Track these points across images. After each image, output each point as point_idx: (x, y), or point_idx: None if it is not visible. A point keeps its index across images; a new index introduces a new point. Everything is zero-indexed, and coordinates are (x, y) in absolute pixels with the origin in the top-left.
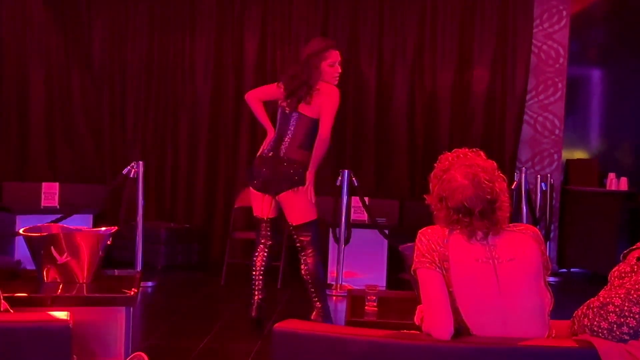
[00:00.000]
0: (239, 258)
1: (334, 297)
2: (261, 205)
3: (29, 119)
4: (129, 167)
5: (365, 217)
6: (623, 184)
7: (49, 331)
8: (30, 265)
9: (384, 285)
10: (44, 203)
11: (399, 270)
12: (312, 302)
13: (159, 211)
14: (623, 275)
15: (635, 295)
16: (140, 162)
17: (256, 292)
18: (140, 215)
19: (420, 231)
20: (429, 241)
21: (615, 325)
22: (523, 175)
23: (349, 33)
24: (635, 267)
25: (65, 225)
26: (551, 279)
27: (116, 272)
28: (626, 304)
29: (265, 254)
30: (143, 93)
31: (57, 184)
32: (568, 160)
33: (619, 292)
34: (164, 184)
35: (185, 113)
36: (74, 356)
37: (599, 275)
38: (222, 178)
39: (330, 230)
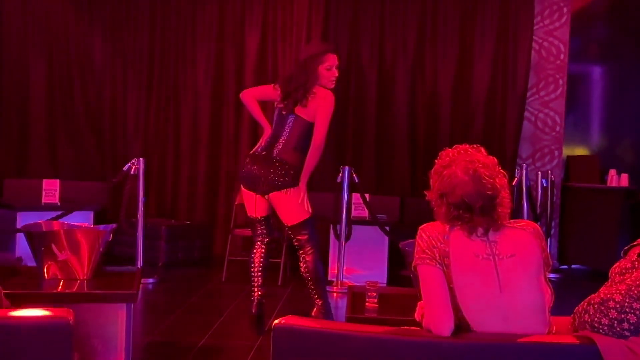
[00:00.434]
0: (240, 254)
1: (335, 294)
2: (253, 204)
3: (29, 116)
4: (129, 163)
5: (366, 213)
6: (624, 181)
7: (50, 328)
8: (30, 262)
9: (385, 281)
10: (44, 200)
11: (400, 267)
12: (312, 300)
13: (159, 208)
14: (624, 271)
15: (635, 292)
16: (141, 159)
17: (256, 289)
18: (141, 212)
19: (420, 227)
20: (429, 237)
21: (615, 322)
22: (524, 172)
23: (349, 30)
24: (636, 263)
25: (66, 222)
26: (551, 275)
27: (117, 268)
28: (627, 300)
29: (263, 251)
30: (144, 90)
31: (58, 180)
32: (569, 157)
33: (620, 288)
34: (165, 180)
35: (187, 109)
36: (75, 353)
37: (599, 272)
38: (223, 174)
39: (331, 226)
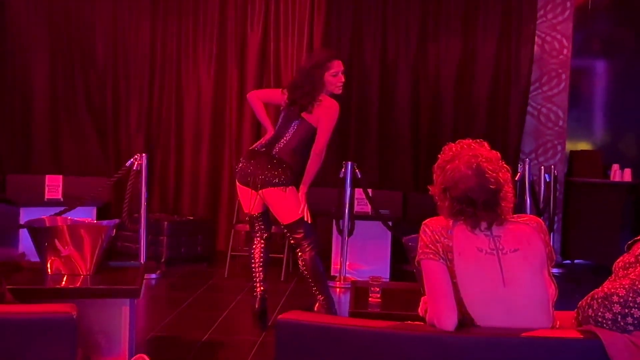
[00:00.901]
0: (243, 250)
1: (338, 289)
2: (248, 201)
3: (32, 111)
4: (132, 159)
5: (368, 208)
6: (627, 175)
7: (54, 323)
8: (34, 258)
9: (388, 276)
10: (47, 195)
11: (403, 262)
12: (314, 296)
13: (162, 203)
14: (627, 265)
15: (639, 286)
16: (144, 155)
17: (258, 285)
18: (143, 208)
19: (424, 222)
20: (432, 232)
21: (619, 316)
22: (527, 167)
23: (352, 27)
24: None
25: (69, 218)
26: (554, 270)
27: (120, 264)
28: (630, 295)
29: (262, 246)
30: (146, 85)
31: (61, 176)
32: (572, 152)
33: (623, 282)
34: (168, 176)
35: (189, 105)
36: (79, 348)
37: (602, 266)
38: (226, 170)
39: (334, 222)
